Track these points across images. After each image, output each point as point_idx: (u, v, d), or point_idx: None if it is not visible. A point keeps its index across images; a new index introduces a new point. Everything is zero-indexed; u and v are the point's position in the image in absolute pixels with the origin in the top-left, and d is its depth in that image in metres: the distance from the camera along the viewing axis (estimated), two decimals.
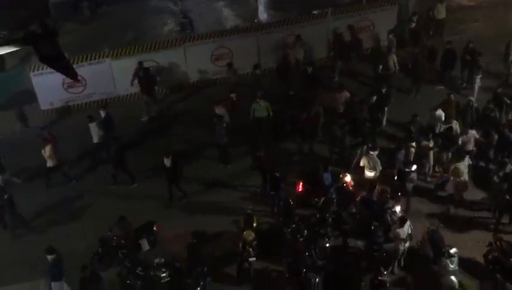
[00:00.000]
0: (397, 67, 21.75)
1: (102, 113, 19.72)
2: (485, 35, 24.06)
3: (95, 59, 22.25)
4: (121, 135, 19.95)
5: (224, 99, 20.12)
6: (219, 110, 19.52)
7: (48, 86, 21.88)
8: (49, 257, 14.68)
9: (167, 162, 17.44)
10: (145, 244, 16.21)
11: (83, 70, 21.74)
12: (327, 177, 17.02)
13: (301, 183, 17.36)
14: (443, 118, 18.79)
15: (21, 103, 22.49)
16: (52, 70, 20.91)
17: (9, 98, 23.00)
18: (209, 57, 23.24)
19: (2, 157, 19.46)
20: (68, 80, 21.86)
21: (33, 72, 21.85)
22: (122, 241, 15.86)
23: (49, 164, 18.81)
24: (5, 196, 16.99)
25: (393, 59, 21.68)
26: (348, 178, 17.22)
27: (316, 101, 19.88)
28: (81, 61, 21.67)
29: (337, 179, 17.19)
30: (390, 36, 23.11)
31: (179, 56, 22.95)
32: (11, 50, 6.62)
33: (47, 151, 18.58)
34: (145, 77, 21.75)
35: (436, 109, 18.91)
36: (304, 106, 19.66)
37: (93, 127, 19.50)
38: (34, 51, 6.14)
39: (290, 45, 23.03)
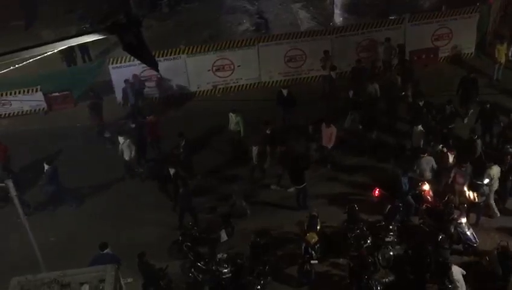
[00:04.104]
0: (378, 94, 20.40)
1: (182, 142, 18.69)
2: None
3: (170, 55, 22.75)
4: None
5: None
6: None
7: (125, 78, 22.46)
8: (101, 252, 14.45)
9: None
10: (223, 235, 16.45)
11: (159, 65, 22.03)
12: (405, 183, 16.56)
13: (377, 189, 17.19)
14: None
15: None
16: (129, 63, 21.63)
17: (87, 89, 23.47)
18: (282, 58, 23.32)
19: None
20: (144, 74, 22.53)
21: (112, 64, 22.59)
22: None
23: None
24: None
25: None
26: (426, 186, 16.76)
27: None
28: (157, 57, 21.97)
29: (415, 186, 16.80)
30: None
31: (253, 56, 23.11)
32: (94, 39, 6.83)
33: None
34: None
35: None
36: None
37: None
38: (118, 40, 6.35)
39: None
